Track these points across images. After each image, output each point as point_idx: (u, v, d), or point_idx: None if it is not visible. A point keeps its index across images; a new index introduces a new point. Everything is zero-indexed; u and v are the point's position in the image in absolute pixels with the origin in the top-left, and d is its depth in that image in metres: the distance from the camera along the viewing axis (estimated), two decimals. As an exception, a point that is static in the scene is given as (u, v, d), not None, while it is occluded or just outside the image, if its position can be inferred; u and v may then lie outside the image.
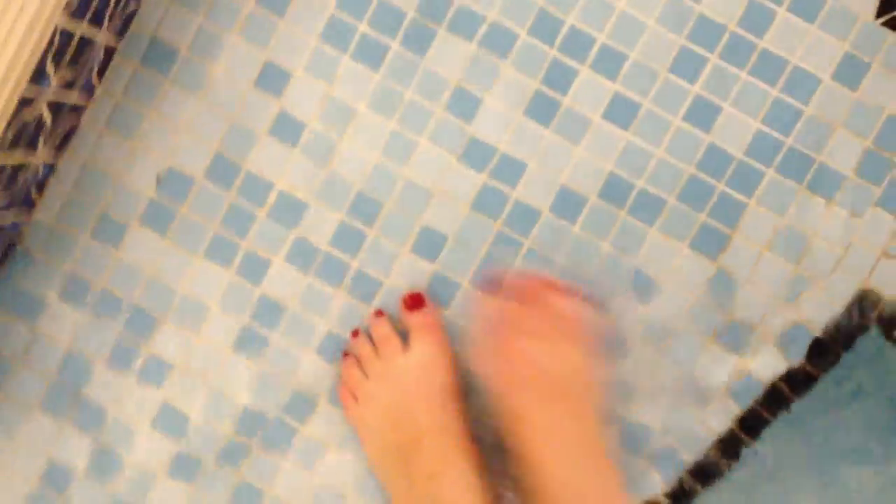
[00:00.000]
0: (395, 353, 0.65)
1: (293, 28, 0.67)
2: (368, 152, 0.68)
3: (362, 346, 0.67)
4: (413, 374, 0.65)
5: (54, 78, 0.59)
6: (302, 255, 0.69)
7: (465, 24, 0.67)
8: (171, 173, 0.68)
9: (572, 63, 0.68)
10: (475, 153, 0.68)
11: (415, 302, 0.67)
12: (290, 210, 0.68)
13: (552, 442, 0.61)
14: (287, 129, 0.68)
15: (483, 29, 0.67)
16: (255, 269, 0.69)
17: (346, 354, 0.68)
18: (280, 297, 0.69)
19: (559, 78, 0.68)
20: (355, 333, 0.68)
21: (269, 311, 0.69)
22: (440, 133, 0.68)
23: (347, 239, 0.69)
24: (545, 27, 0.67)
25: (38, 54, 0.55)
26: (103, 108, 0.67)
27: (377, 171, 0.68)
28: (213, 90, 0.68)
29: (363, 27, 0.67)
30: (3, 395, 0.69)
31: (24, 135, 0.59)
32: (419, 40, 0.67)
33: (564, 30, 0.67)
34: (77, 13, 0.57)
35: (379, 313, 0.68)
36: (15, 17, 0.54)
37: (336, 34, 0.67)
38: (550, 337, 0.63)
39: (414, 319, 0.66)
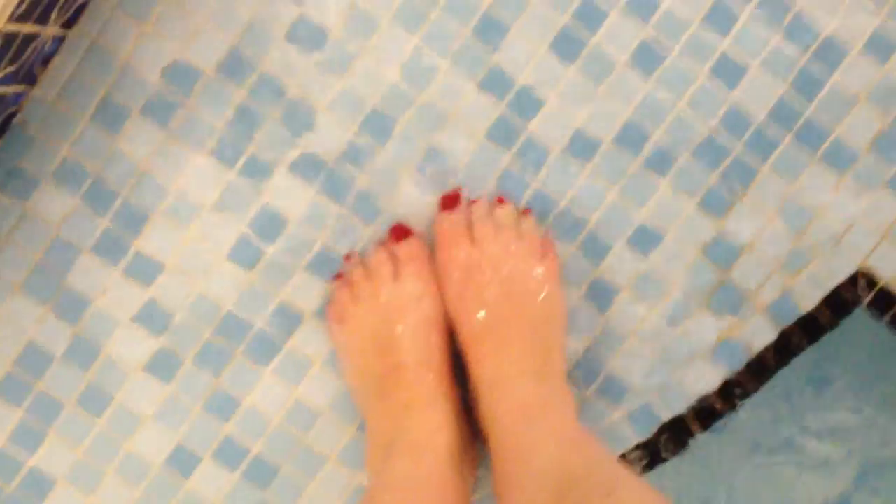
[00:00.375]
0: (386, 280, 0.64)
1: (324, -72, 0.65)
2: (387, 68, 0.67)
3: (355, 270, 0.66)
4: (400, 302, 0.64)
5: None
6: (308, 166, 0.67)
7: (501, -52, 0.65)
8: (180, 65, 0.66)
9: (604, 2, 0.66)
10: (495, 82, 0.67)
11: (401, 233, 0.66)
12: (300, 117, 0.67)
13: (507, 358, 0.62)
14: (307, 34, 0.66)
15: (519, -45, 0.65)
16: (257, 174, 0.67)
17: (338, 276, 0.67)
18: (280, 208, 0.68)
19: (589, 16, 0.66)
20: (348, 256, 0.67)
21: (269, 220, 0.67)
22: (463, 57, 0.67)
23: (355, 155, 0.67)
24: (582, -38, 0.66)
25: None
26: (117, -14, 0.65)
27: (394, 88, 0.67)
28: (233, -17, 0.65)
29: (396, -63, 0.65)
30: (-15, 271, 0.67)
31: (40, 5, 0.57)
32: (453, -42, 0.65)
33: (602, -33, 0.66)
34: None
35: (379, 242, 0.67)
36: None
37: (367, -59, 0.65)
38: (515, 253, 0.64)
39: (401, 250, 0.65)
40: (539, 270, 0.64)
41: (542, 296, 0.64)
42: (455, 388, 0.65)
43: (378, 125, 0.67)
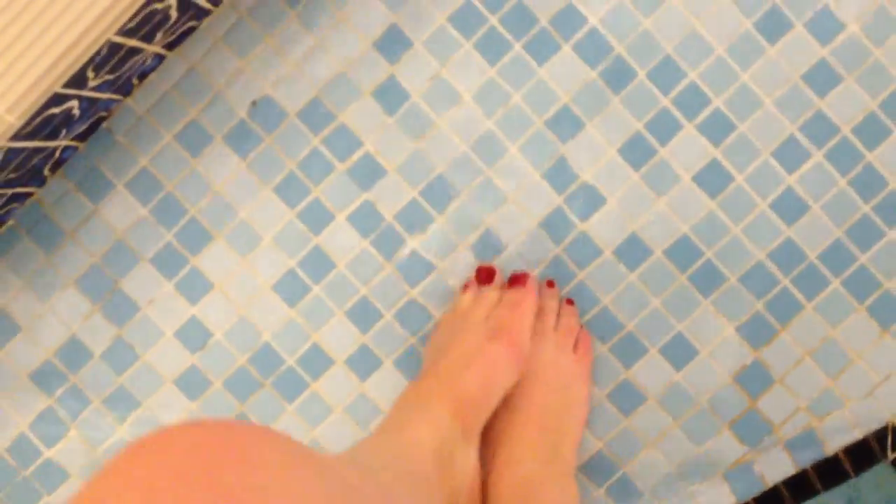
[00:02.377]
0: (483, 315, 0.66)
1: (427, 1, 0.68)
2: (459, 141, 0.69)
3: (468, 297, 0.68)
4: (479, 327, 0.64)
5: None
6: (366, 219, 0.70)
7: (590, 49, 0.68)
8: (268, 102, 0.69)
9: (680, 117, 0.68)
10: (560, 174, 0.69)
11: (488, 275, 0.68)
12: (368, 171, 0.69)
13: (523, 439, 0.62)
14: (391, 95, 0.69)
15: (607, 61, 0.68)
16: (317, 218, 0.70)
17: (465, 287, 0.68)
18: (331, 253, 0.70)
19: (663, 127, 0.68)
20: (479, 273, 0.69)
21: (318, 261, 0.70)
22: (533, 144, 0.69)
23: (413, 217, 0.69)
24: (666, 75, 0.67)
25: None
26: (225, 20, 0.68)
27: (462, 160, 0.69)
28: (333, 36, 0.68)
29: (494, 20, 0.68)
30: (48, 261, 0.70)
31: (149, 24, 0.60)
32: (542, 49, 0.68)
33: (684, 83, 0.67)
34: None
35: (551, 283, 0.69)
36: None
37: (465, 19, 0.68)
38: (552, 339, 0.65)
39: (510, 295, 0.67)
40: (572, 362, 0.65)
41: (570, 387, 0.65)
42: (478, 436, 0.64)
43: (440, 192, 0.69)
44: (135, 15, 0.56)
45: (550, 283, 0.69)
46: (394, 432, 0.55)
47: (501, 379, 0.61)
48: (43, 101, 0.56)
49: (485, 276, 0.68)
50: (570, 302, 0.69)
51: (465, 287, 0.68)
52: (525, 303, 0.65)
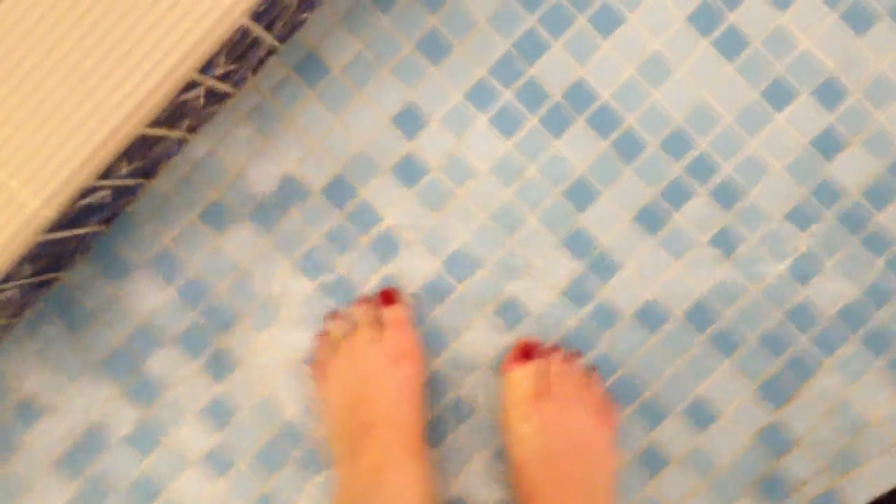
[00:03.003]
0: (368, 340, 0.66)
1: (442, 79, 0.70)
2: (478, 212, 0.70)
3: (339, 327, 0.68)
4: (378, 364, 0.66)
5: (219, 68, 0.61)
6: (389, 292, 0.70)
7: (603, 122, 0.69)
8: (290, 180, 0.70)
9: (693, 185, 0.70)
10: (578, 242, 0.70)
11: (390, 298, 0.68)
12: (389, 246, 0.70)
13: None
14: (409, 170, 0.70)
15: (619, 131, 0.70)
16: (341, 291, 0.70)
17: (322, 333, 0.70)
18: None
19: (676, 194, 0.70)
20: (334, 315, 0.70)
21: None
22: (551, 214, 0.70)
23: (435, 289, 0.70)
24: (677, 145, 0.69)
25: (216, 48, 0.57)
26: (247, 101, 0.70)
27: (482, 231, 0.70)
28: (352, 115, 0.70)
29: (508, 95, 0.70)
30: (73, 344, 0.70)
31: (176, 113, 0.61)
32: (557, 123, 0.70)
33: (695, 153, 0.69)
34: (258, 17, 0.60)
35: (364, 299, 0.69)
36: (205, 12, 0.56)
37: (480, 95, 0.70)
38: (581, 410, 0.66)
39: (387, 315, 0.68)
40: (599, 429, 0.66)
41: (599, 457, 0.66)
42: (426, 451, 0.66)
43: (461, 264, 0.70)
44: (167, 107, 0.57)
45: (574, 356, 0.70)
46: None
47: (418, 393, 0.66)
48: (77, 194, 0.57)
49: (386, 298, 0.69)
50: (591, 370, 0.70)
51: (332, 316, 0.69)
52: (405, 318, 0.68)
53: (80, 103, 0.55)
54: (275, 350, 0.71)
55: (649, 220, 0.70)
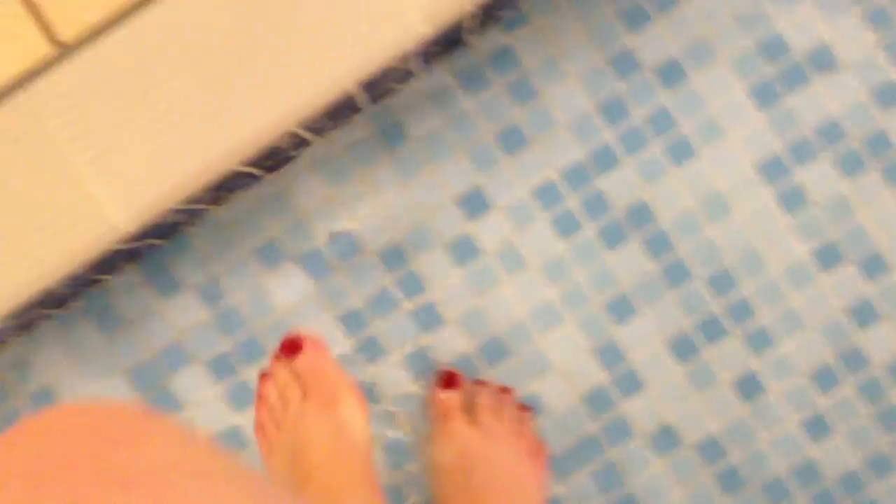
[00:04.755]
0: (296, 402, 0.63)
1: (514, 169, 0.72)
2: (519, 304, 0.72)
3: (272, 393, 0.65)
4: (310, 414, 0.62)
5: (314, 121, 0.63)
6: (420, 362, 0.72)
7: (658, 245, 0.72)
8: (348, 235, 0.72)
9: (730, 324, 0.72)
10: (608, 354, 0.72)
11: (292, 348, 0.66)
12: (430, 318, 0.72)
13: None
14: (464, 250, 0.72)
15: (669, 257, 0.72)
16: (372, 352, 0.72)
17: (260, 397, 0.66)
18: (380, 387, 0.72)
19: (712, 329, 0.72)
20: (264, 376, 0.67)
21: (365, 392, 0.72)
22: (588, 321, 0.72)
23: (466, 368, 0.72)
24: (723, 282, 0.72)
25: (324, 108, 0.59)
26: (324, 150, 0.72)
27: (519, 324, 0.72)
28: (420, 186, 0.72)
29: (573, 200, 0.72)
30: (104, 346, 0.71)
31: (264, 154, 0.63)
32: (613, 237, 0.72)
33: (737, 294, 0.72)
34: (364, 85, 0.62)
35: (275, 356, 0.66)
36: (326, 81, 0.58)
37: (546, 194, 0.72)
38: (510, 443, 0.65)
39: (300, 365, 0.65)
40: (527, 467, 0.66)
41: (522, 492, 0.65)
42: (376, 483, 0.62)
43: (493, 351, 0.72)
44: (265, 151, 0.59)
45: (505, 389, 0.70)
46: None
47: (360, 428, 0.63)
48: (159, 215, 0.58)
49: (289, 349, 0.66)
50: (524, 408, 0.70)
51: (265, 377, 0.66)
52: (320, 361, 0.64)
53: (195, 140, 0.57)
54: (297, 394, 0.72)
55: (681, 347, 0.72)
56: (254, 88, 0.55)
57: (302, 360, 0.64)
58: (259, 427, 0.66)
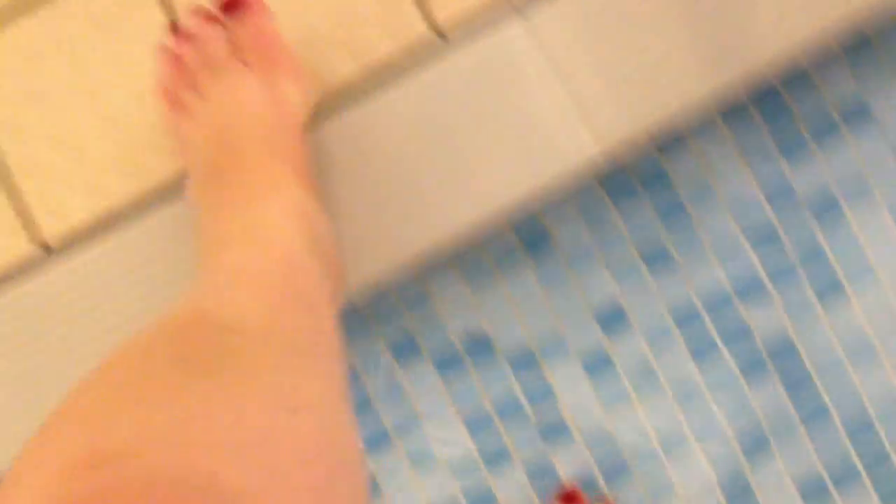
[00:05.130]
0: (235, 66, 0.52)
1: (655, 290, 0.71)
2: (648, 425, 0.71)
3: (190, 53, 0.52)
4: (251, 86, 0.52)
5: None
6: (539, 470, 0.71)
7: (789, 375, 0.70)
8: (483, 336, 0.72)
9: (867, 474, 0.69)
10: (735, 490, 0.70)
11: (233, 6, 0.52)
12: (554, 426, 0.71)
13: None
14: (597, 363, 0.71)
15: (805, 392, 0.70)
16: (495, 456, 0.71)
17: (172, 56, 0.52)
18: (498, 494, 0.71)
19: (846, 477, 0.69)
20: (175, 29, 0.52)
21: (481, 497, 0.71)
22: (718, 453, 0.70)
23: (586, 483, 0.71)
24: (862, 430, 0.69)
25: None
26: (468, 251, 0.72)
27: (647, 448, 0.71)
28: (560, 295, 0.72)
29: (710, 323, 0.71)
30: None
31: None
32: (751, 370, 0.70)
33: (878, 445, 0.69)
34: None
35: (208, 14, 0.52)
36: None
37: (685, 316, 0.71)
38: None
39: (248, 27, 0.52)
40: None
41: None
42: (314, 183, 0.52)
43: (616, 470, 0.71)
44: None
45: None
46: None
47: (302, 117, 0.51)
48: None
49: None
50: None
51: (180, 35, 0.52)
52: (272, 28, 0.52)
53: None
54: (419, 493, 0.72)
55: (813, 492, 0.69)
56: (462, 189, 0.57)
57: (251, 23, 0.52)
58: (167, 92, 0.53)
